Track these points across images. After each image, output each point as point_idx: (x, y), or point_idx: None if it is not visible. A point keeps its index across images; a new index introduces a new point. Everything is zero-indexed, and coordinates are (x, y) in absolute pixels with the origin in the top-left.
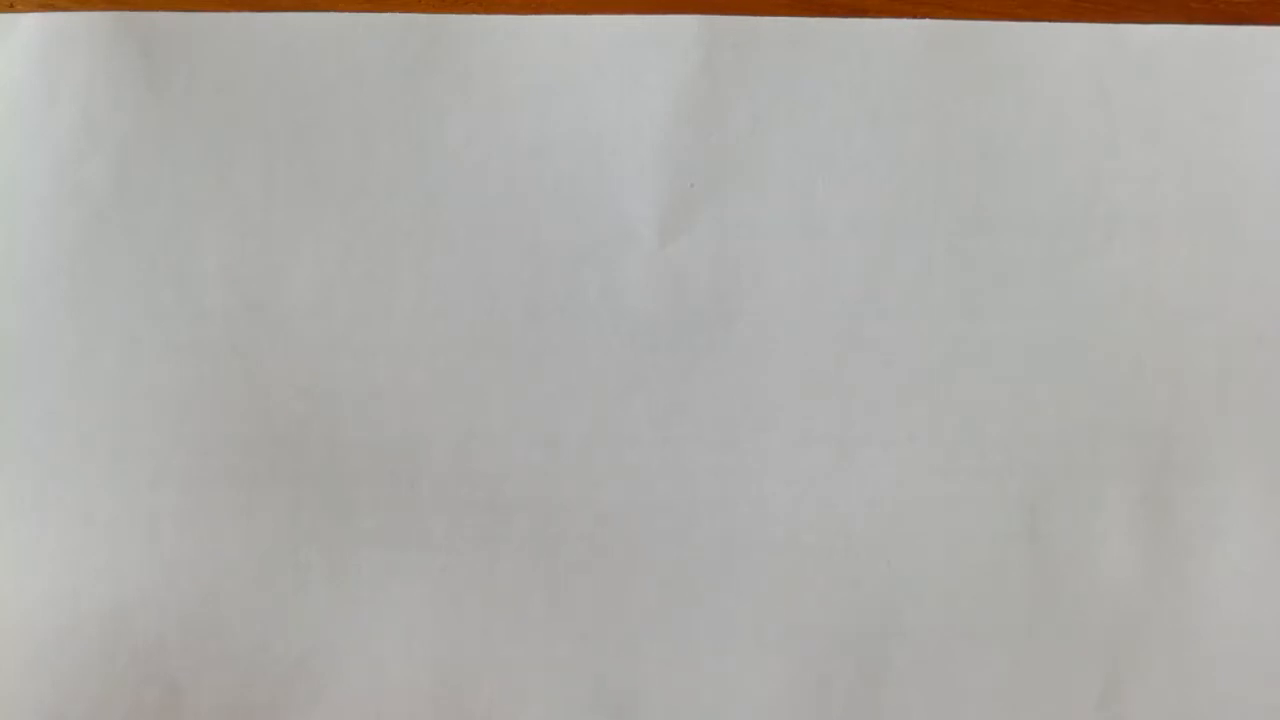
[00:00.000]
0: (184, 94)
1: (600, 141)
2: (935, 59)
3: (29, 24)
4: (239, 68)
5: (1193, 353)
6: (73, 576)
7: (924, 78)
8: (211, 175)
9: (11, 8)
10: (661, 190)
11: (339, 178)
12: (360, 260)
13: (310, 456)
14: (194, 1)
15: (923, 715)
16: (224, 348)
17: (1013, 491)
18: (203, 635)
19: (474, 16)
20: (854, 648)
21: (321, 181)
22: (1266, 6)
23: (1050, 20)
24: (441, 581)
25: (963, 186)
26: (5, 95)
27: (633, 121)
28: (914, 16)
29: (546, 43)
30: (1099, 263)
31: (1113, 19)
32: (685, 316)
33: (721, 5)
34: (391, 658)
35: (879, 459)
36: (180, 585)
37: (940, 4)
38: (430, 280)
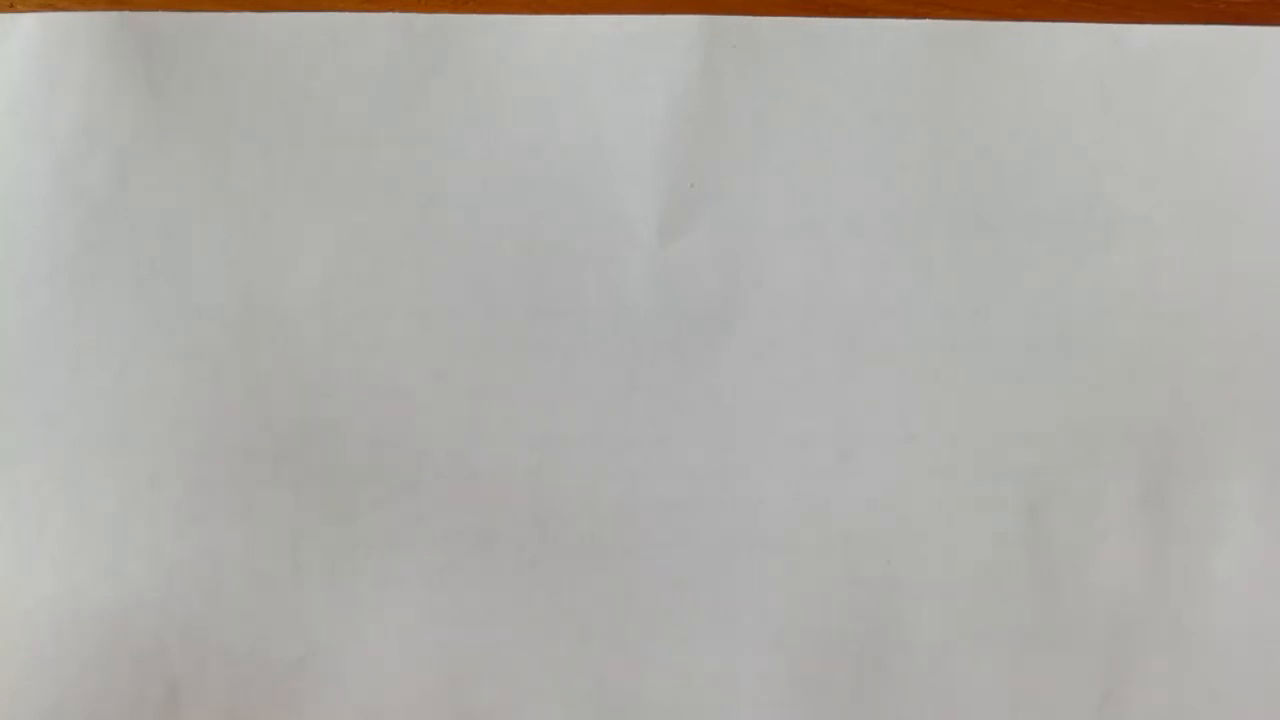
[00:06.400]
0: (184, 94)
1: (600, 141)
2: (935, 59)
3: (29, 24)
4: (239, 68)
5: (1193, 353)
6: (73, 576)
7: (924, 78)
8: (211, 175)
9: (11, 8)
10: (661, 190)
11: (339, 178)
12: (360, 260)
13: (310, 456)
14: (194, 1)
15: (922, 715)
16: (224, 348)
17: (1012, 492)
18: (203, 635)
19: (474, 16)
20: (853, 648)
21: (321, 181)
22: (1266, 6)
23: (1050, 20)
24: (441, 581)
25: (963, 186)
26: (5, 95)
27: (633, 121)
28: (914, 16)
29: (546, 43)
30: (1099, 263)
31: (1113, 19)
32: (685, 316)
33: (721, 5)
34: (391, 658)
35: (879, 459)
36: (180, 585)
37: (940, 4)
38: (430, 280)
